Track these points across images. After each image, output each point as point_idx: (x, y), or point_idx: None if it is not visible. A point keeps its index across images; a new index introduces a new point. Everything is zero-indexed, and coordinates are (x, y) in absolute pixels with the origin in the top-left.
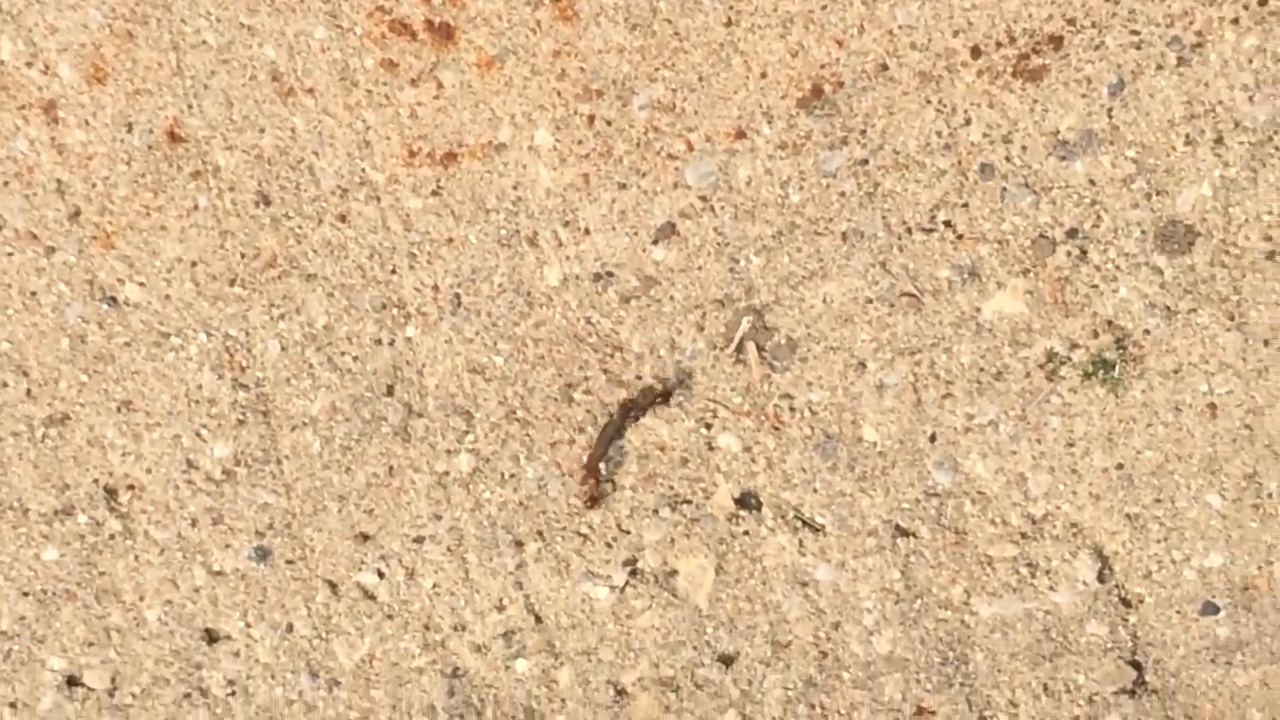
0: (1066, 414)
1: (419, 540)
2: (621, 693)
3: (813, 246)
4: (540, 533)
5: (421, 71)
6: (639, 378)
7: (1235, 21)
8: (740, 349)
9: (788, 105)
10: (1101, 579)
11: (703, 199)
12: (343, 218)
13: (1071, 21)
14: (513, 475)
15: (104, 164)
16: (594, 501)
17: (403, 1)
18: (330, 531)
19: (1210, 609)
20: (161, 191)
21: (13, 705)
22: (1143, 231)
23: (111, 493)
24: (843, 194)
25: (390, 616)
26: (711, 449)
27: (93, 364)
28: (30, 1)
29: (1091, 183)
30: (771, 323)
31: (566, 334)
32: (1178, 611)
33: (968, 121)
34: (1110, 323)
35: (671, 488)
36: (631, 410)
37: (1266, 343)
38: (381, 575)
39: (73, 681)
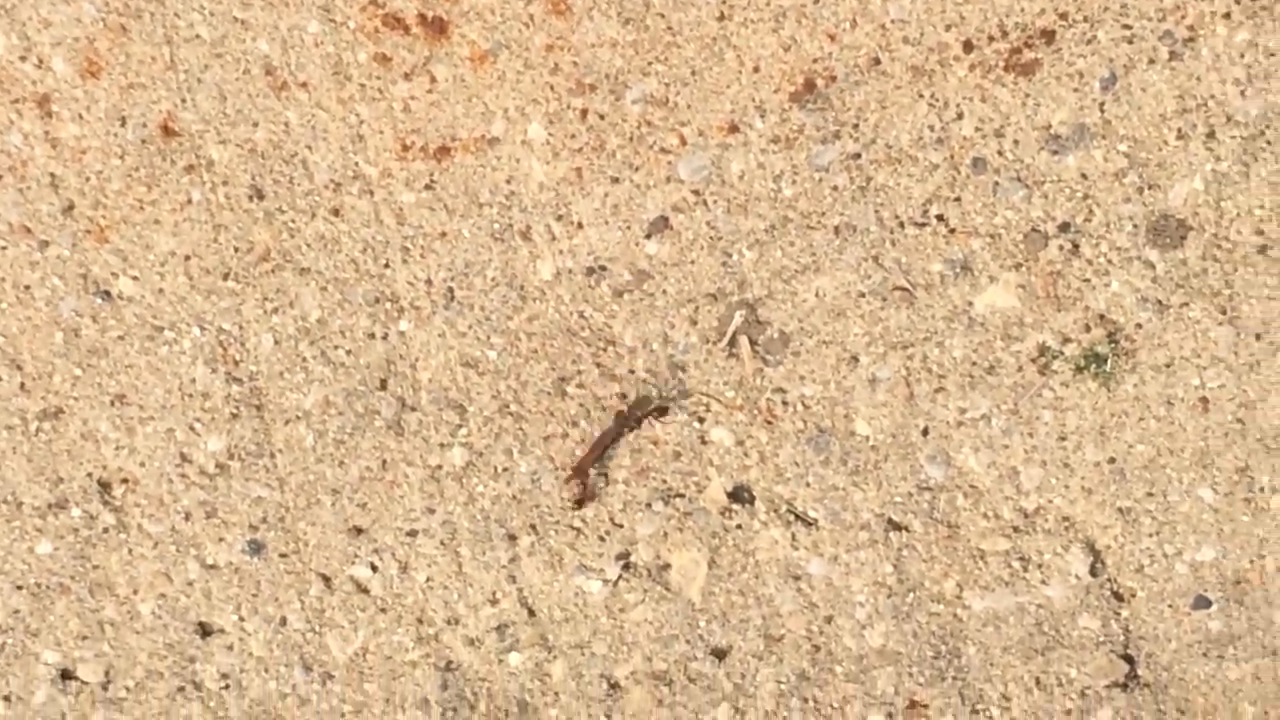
0: (1059, 408)
1: (412, 534)
2: (614, 686)
3: (805, 241)
4: (533, 526)
5: (414, 66)
6: (632, 371)
7: (1227, 16)
8: (733, 343)
9: (780, 99)
10: (1094, 573)
11: (695, 193)
12: (336, 212)
13: (1064, 16)
14: (506, 469)
15: (98, 158)
16: (580, 504)
17: None
18: (324, 525)
19: (1202, 603)
20: (155, 185)
21: (7, 698)
22: (1135, 226)
23: (105, 486)
24: (835, 188)
25: (384, 610)
26: (704, 443)
27: (86, 358)
28: None
29: (1084, 177)
30: (764, 317)
31: (560, 328)
32: (1170, 605)
33: (960, 116)
34: (1102, 317)
35: (664, 482)
36: (628, 421)
37: (1258, 337)
38: (375, 569)
39: (66, 675)
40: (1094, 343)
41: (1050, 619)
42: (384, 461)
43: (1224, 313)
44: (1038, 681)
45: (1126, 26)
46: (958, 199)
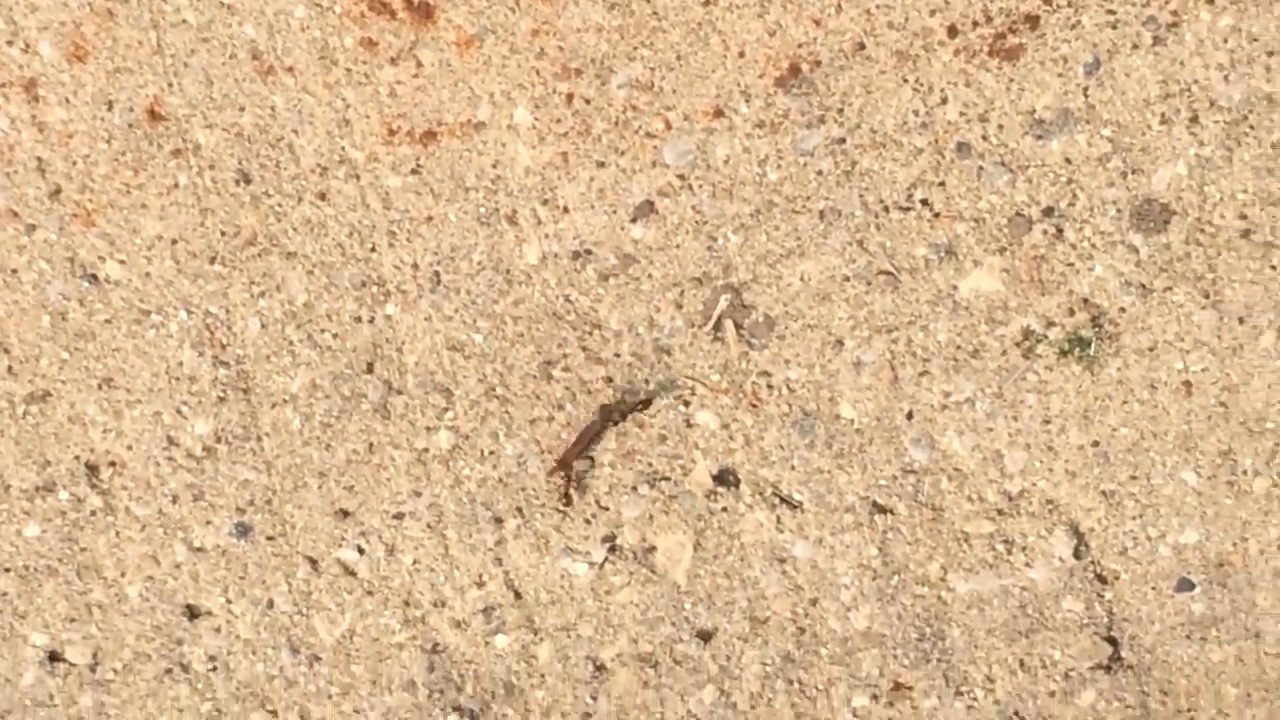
0: (1043, 391)
1: (399, 517)
2: (600, 668)
3: (790, 225)
4: (519, 509)
5: (401, 50)
6: (617, 355)
7: (1210, 1)
8: (718, 327)
9: (765, 84)
10: (1077, 555)
11: (681, 177)
12: (322, 196)
13: (1048, 1)
14: (492, 452)
15: (84, 142)
16: (567, 499)
17: None
18: (310, 508)
19: (1185, 585)
20: (142, 169)
21: None
22: (1118, 210)
23: (93, 469)
24: (820, 172)
25: (370, 593)
26: (689, 426)
27: (74, 341)
28: None
29: (1067, 161)
30: (749, 300)
31: (545, 312)
32: (1153, 588)
33: (944, 100)
34: (1086, 300)
35: (650, 465)
36: (612, 415)
37: (1241, 320)
38: (362, 551)
39: (54, 657)
40: (1078, 326)
41: (1034, 601)
42: (370, 445)
43: (1207, 297)
44: (1021, 663)
45: (1110, 12)
46: (942, 183)
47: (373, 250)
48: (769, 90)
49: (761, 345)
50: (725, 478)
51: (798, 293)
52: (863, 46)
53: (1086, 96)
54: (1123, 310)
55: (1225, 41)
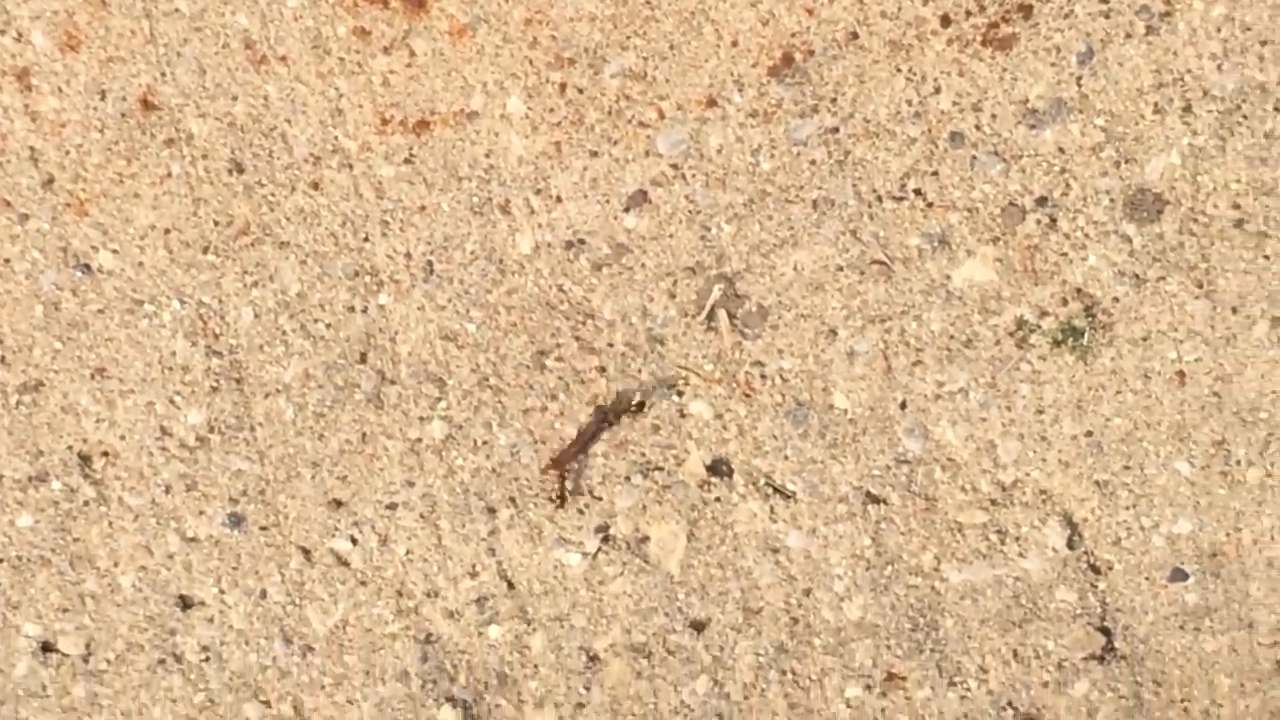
0: (1036, 381)
1: (392, 507)
2: (594, 658)
3: (784, 214)
4: (513, 499)
5: (394, 39)
6: (611, 345)
7: None
8: (712, 316)
9: (759, 73)
10: (1071, 545)
11: (674, 167)
12: (315, 185)
13: None
14: (485, 442)
15: (77, 131)
16: (562, 500)
17: None
18: (304, 498)
19: (1179, 575)
20: (135, 159)
21: None
22: (1112, 200)
23: (86, 459)
24: (813, 162)
25: (363, 583)
26: (683, 416)
27: (66, 331)
28: None
29: (1061, 151)
30: (743, 290)
31: (539, 301)
32: (1146, 578)
33: (938, 90)
34: (1079, 290)
35: (643, 454)
36: (607, 416)
37: (1235, 310)
38: (355, 542)
39: (47, 647)
40: (1071, 316)
41: (1027, 591)
42: (364, 434)
43: (1200, 286)
44: (1015, 654)
45: (1103, 1)
46: (935, 173)
47: (366, 240)
48: (762, 79)
49: (755, 335)
50: (719, 468)
51: (791, 282)
52: (856, 36)
53: (1080, 86)
54: (1116, 300)
55: (1218, 31)
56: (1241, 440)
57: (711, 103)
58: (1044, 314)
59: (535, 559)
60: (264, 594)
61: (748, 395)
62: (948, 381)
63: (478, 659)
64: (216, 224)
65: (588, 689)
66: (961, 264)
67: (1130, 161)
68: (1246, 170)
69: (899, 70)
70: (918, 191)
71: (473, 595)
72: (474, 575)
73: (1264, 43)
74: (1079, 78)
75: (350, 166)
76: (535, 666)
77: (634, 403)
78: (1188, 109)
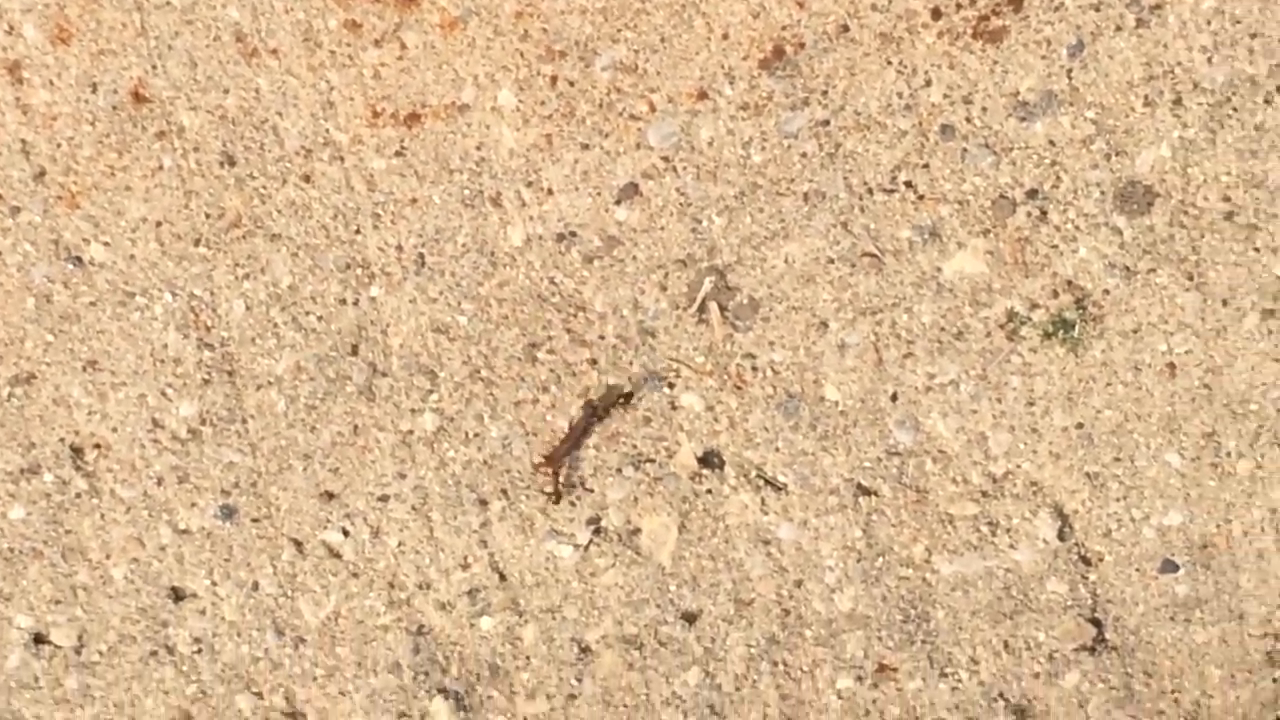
0: (1027, 373)
1: (384, 499)
2: (585, 650)
3: (774, 207)
4: (504, 491)
5: (385, 32)
6: (602, 337)
7: None
8: (703, 309)
9: (749, 66)
10: (1061, 537)
11: (665, 159)
12: (307, 178)
13: None
14: (477, 434)
15: (69, 124)
16: (557, 497)
17: None
18: (295, 490)
19: (1169, 567)
20: (126, 152)
21: None
22: (1102, 192)
23: (78, 451)
24: (804, 155)
25: (355, 575)
26: (674, 408)
27: (58, 323)
28: None
29: (1051, 144)
30: (734, 283)
31: (530, 294)
32: (1137, 569)
33: (928, 83)
34: (1070, 283)
35: (635, 447)
36: (597, 411)
37: (1225, 302)
38: (346, 534)
39: (40, 639)
40: (1062, 308)
41: (1018, 583)
42: (355, 427)
43: (1191, 279)
44: (1006, 645)
45: None
46: (926, 166)
47: (357, 232)
48: (753, 72)
49: (746, 327)
50: (710, 460)
51: (782, 275)
52: (846, 29)
53: (1070, 79)
54: (1106, 292)
55: (1208, 24)
56: (1232, 432)
57: (702, 95)
58: (1034, 306)
59: (527, 551)
60: (256, 586)
61: (739, 387)
62: (938, 373)
63: (470, 650)
64: (208, 216)
65: (579, 680)
66: (952, 256)
67: (1121, 154)
68: (1237, 163)
69: (890, 63)
70: (908, 184)
71: (465, 587)
72: (466, 567)
73: (1254, 35)
74: (1069, 70)
75: (342, 159)
76: (527, 658)
77: (623, 393)
78: (1178, 102)
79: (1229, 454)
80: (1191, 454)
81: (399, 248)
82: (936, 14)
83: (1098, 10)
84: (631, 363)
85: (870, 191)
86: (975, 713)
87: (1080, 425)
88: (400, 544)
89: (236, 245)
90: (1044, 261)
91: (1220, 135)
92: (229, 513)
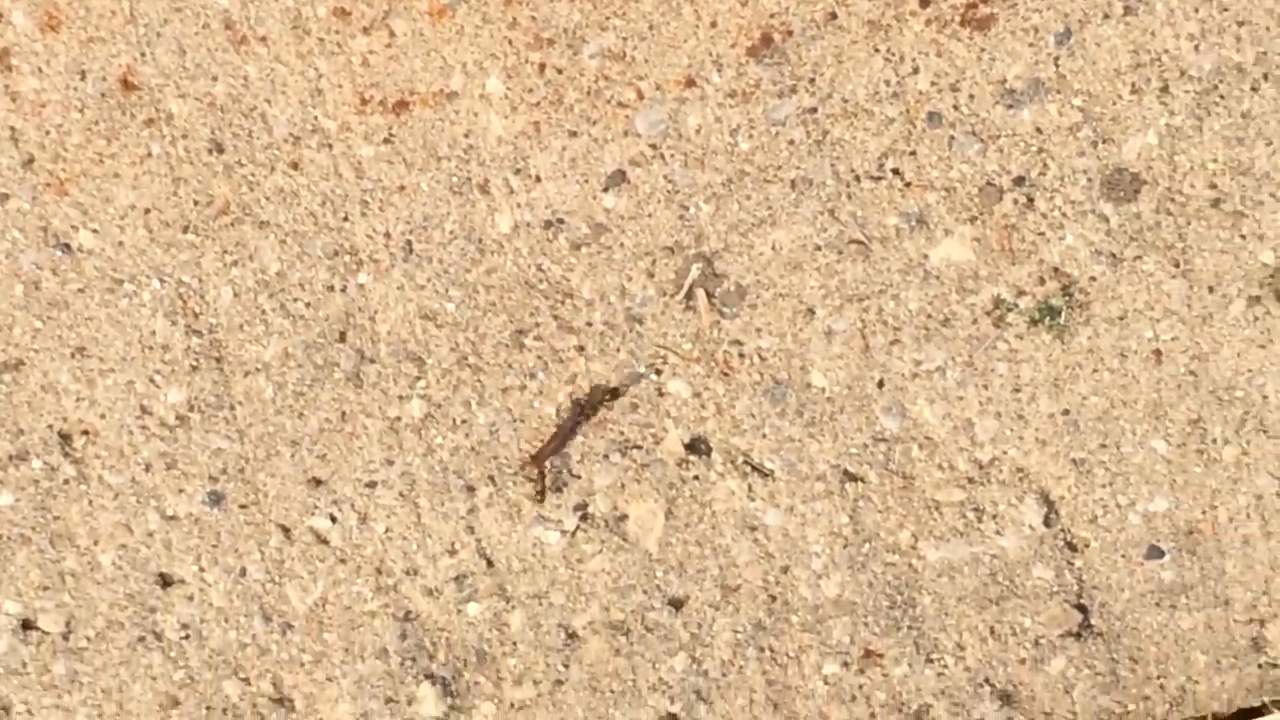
0: (1013, 360)
1: (371, 485)
2: (572, 636)
3: (762, 194)
4: (491, 478)
5: (373, 20)
6: (589, 324)
7: None
8: (690, 295)
9: (737, 54)
10: (1047, 523)
11: (653, 147)
12: (295, 165)
13: None
14: (464, 421)
15: (57, 111)
16: (541, 496)
17: None
18: (283, 476)
19: (1155, 553)
20: (115, 139)
21: None
22: (1089, 179)
23: (66, 438)
24: (791, 142)
25: (343, 561)
26: (661, 395)
27: (47, 310)
28: None
29: (1038, 131)
30: (721, 269)
31: (518, 281)
32: (1123, 555)
33: (916, 70)
34: (1057, 269)
35: (621, 433)
36: (584, 410)
37: (1211, 289)
38: (334, 520)
39: (27, 625)
40: (1048, 295)
41: (1004, 569)
42: (343, 413)
43: (1177, 266)
44: (992, 631)
45: None
46: (913, 153)
47: (345, 219)
48: (741, 60)
49: (733, 314)
50: (697, 446)
51: (769, 262)
52: (834, 16)
53: (1057, 66)
54: (1093, 279)
55: (1196, 11)
56: (1218, 419)
57: (690, 83)
58: (1021, 293)
59: (514, 537)
60: (243, 572)
61: (726, 374)
62: (925, 360)
63: (457, 636)
64: (196, 203)
65: (566, 666)
66: (939, 243)
67: (1107, 141)
68: (1223, 150)
69: (877, 50)
70: (895, 171)
71: (452, 573)
72: (453, 553)
73: (1241, 23)
74: (1057, 58)
75: (330, 146)
76: (514, 644)
77: (609, 390)
78: (1165, 89)
79: (1215, 440)
80: (1177, 440)
81: (387, 235)
82: (924, 1)
83: None
84: (619, 349)
85: (857, 179)
86: (961, 698)
87: (1066, 412)
88: (388, 530)
89: (225, 232)
90: (1031, 248)
91: (1207, 123)
92: (217, 499)
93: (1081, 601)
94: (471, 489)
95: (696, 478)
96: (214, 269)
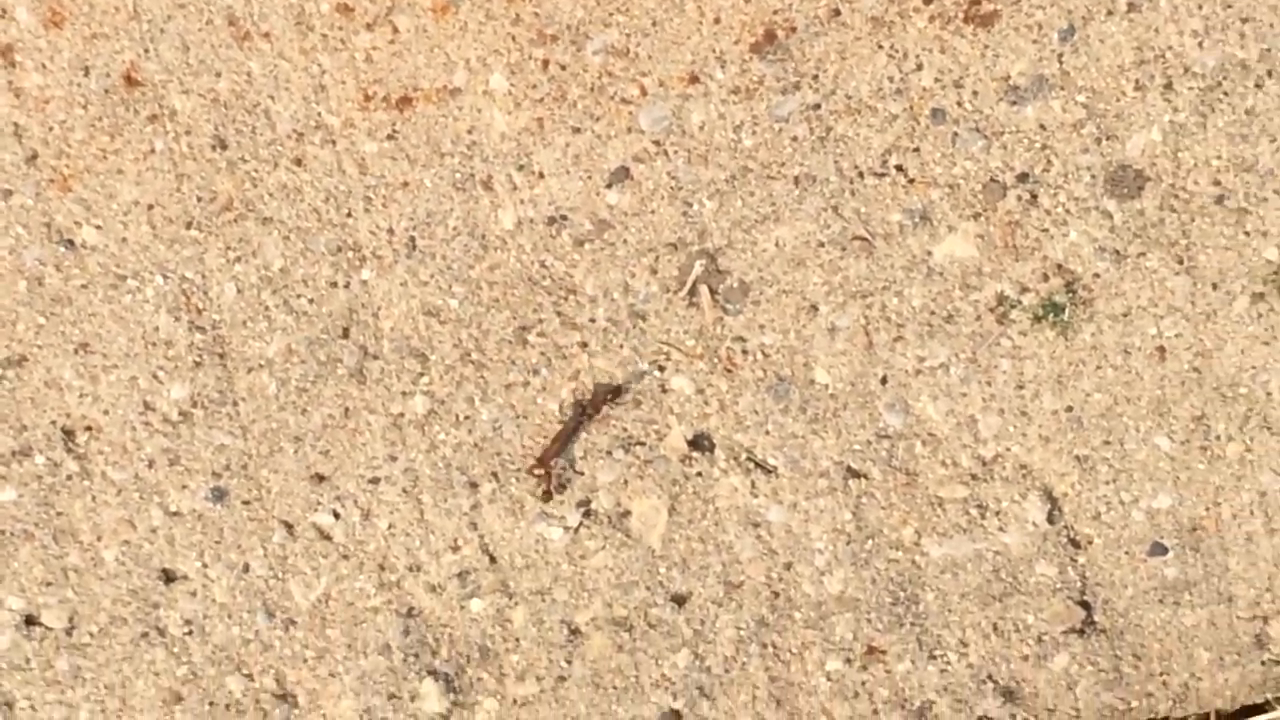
0: (1017, 357)
1: (374, 481)
2: (575, 632)
3: (765, 191)
4: (495, 474)
5: (377, 16)
6: (593, 320)
7: None
8: (693, 292)
9: (741, 50)
10: (1051, 520)
11: (656, 143)
12: (298, 161)
13: None
14: (467, 417)
15: (61, 107)
16: (548, 496)
17: None
18: (286, 472)
19: (1158, 550)
20: (118, 135)
21: None
22: (1093, 176)
23: (69, 434)
24: (795, 139)
25: (346, 557)
26: (665, 391)
27: (50, 306)
28: None
29: (1042, 128)
30: (724, 266)
31: (521, 277)
32: (1126, 552)
33: (919, 67)
34: (1060, 266)
35: (625, 429)
36: (586, 410)
37: (1215, 286)
38: (337, 516)
39: (31, 621)
40: (1052, 292)
41: (1008, 566)
42: (346, 409)
43: (1181, 262)
44: (995, 627)
45: None
46: (917, 149)
47: (349, 216)
48: (744, 56)
49: (736, 310)
50: (700, 443)
51: (773, 258)
52: (838, 13)
53: (1061, 63)
54: (1097, 276)
55: (1200, 8)
56: (1221, 415)
57: (694, 79)
58: (1025, 290)
59: (517, 533)
60: (247, 568)
61: (729, 370)
62: (928, 357)
63: (459, 633)
64: (200, 200)
65: (569, 662)
66: (942, 240)
67: (1111, 138)
68: (1227, 147)
69: (881, 47)
70: (899, 168)
71: (455, 569)
72: (456, 549)
73: (1245, 20)
74: (1060, 54)
75: (333, 142)
76: (517, 640)
77: (612, 389)
78: (1169, 86)
79: (1218, 437)
80: (1181, 437)
81: (390, 231)
82: None
83: None
84: (622, 346)
85: (861, 175)
86: (964, 695)
87: (1070, 408)
88: (391, 526)
89: (228, 228)
90: (1034, 245)
91: (1211, 119)
92: (220, 495)
93: (1085, 598)
94: (474, 485)
95: (699, 474)
96: (217, 265)
